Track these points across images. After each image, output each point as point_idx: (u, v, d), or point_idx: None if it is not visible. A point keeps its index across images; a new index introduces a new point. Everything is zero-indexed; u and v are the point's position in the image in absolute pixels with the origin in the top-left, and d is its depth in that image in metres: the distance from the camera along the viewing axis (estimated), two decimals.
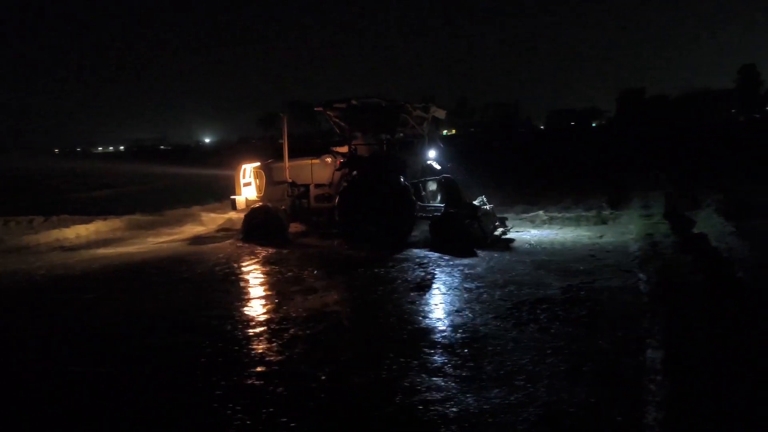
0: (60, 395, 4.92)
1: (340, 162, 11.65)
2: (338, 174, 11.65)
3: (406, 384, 4.80)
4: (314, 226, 11.97)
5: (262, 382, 4.96)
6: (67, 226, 13.61)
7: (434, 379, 4.87)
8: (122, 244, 12.31)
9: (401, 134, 12.60)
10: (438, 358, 5.31)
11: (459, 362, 5.21)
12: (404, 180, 10.99)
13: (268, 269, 9.39)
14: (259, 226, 11.40)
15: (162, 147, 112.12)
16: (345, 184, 11.20)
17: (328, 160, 12.01)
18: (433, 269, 8.83)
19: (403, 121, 12.06)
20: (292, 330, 6.29)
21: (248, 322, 6.66)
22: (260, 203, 12.05)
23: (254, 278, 8.93)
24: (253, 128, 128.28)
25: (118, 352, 5.86)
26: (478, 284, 7.87)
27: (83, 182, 29.43)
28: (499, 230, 11.25)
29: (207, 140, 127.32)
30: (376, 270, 8.96)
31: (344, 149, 11.87)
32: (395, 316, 6.69)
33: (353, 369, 5.14)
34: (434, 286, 7.93)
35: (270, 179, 12.31)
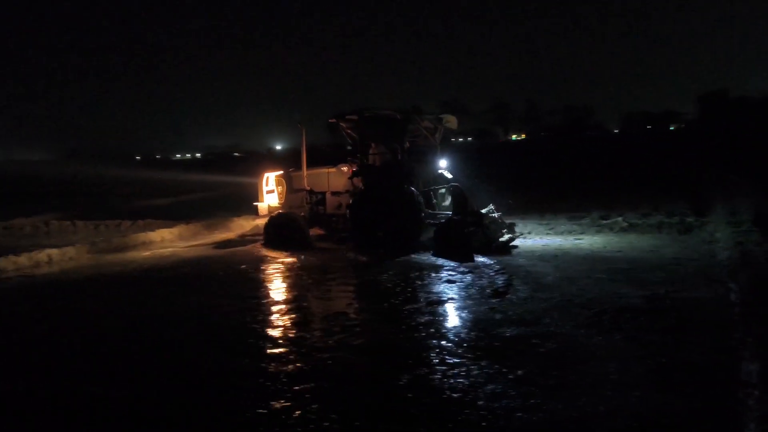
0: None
1: (352, 171, 12.16)
2: (351, 182, 12.19)
3: (489, 390, 4.77)
4: (331, 231, 12.58)
5: (343, 387, 5.06)
6: (152, 229, 14.32)
7: (518, 385, 4.83)
8: (200, 245, 12.94)
9: (411, 144, 12.84)
10: (521, 365, 5.26)
11: (543, 370, 5.14)
12: (412, 188, 11.42)
13: (316, 276, 9.59)
14: (279, 232, 12.02)
15: (236, 154, 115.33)
16: (357, 191, 11.75)
17: (344, 169, 12.56)
18: (509, 277, 8.72)
19: (413, 131, 12.42)
20: (367, 336, 6.39)
21: (321, 329, 6.78)
22: (281, 210, 12.72)
23: (303, 285, 9.14)
24: (322, 135, 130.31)
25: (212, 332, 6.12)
26: (553, 293, 7.71)
27: (149, 190, 30.35)
28: (506, 237, 11.20)
29: (278, 147, 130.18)
30: (450, 276, 8.95)
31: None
32: (474, 323, 6.67)
33: (434, 375, 5.16)
34: (511, 293, 7.83)
35: (290, 187, 12.97)
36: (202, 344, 6.37)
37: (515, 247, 11.03)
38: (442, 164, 13.23)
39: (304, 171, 12.64)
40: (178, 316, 7.53)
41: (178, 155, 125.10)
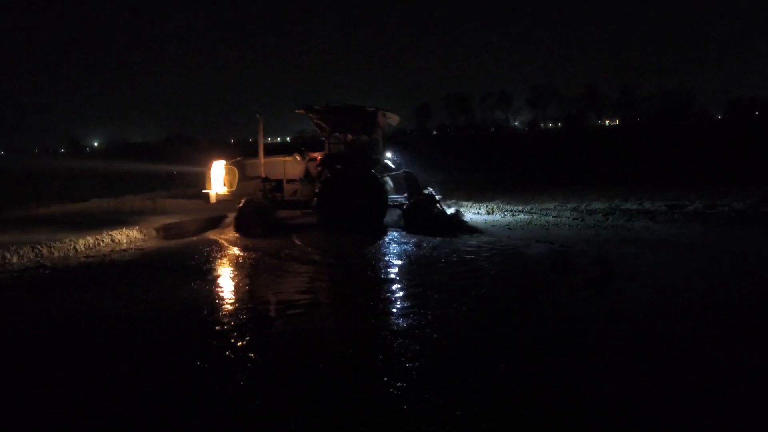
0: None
1: (320, 158, 12.92)
2: (312, 169, 12.97)
3: (608, 390, 4.55)
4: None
5: (463, 392, 4.99)
6: None
7: (644, 386, 4.56)
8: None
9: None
10: (645, 364, 4.99)
11: (667, 370, 4.91)
12: (377, 175, 12.58)
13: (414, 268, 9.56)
14: (252, 217, 12.25)
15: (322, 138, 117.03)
16: (325, 177, 12.43)
17: (299, 157, 13.18)
18: (605, 266, 8.40)
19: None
20: (466, 321, 6.29)
21: (435, 320, 6.63)
22: (231, 197, 13.06)
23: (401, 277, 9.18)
24: (410, 119, 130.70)
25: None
26: (650, 285, 7.33)
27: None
28: (450, 212, 12.76)
29: None
30: (545, 263, 8.74)
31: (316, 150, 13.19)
32: (568, 314, 6.34)
33: (552, 380, 4.80)
34: (610, 282, 7.54)
35: (243, 175, 13.17)
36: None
37: (465, 222, 12.43)
38: (387, 154, 14.83)
39: (261, 159, 13.00)
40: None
41: (278, 138, 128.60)
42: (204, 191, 13.44)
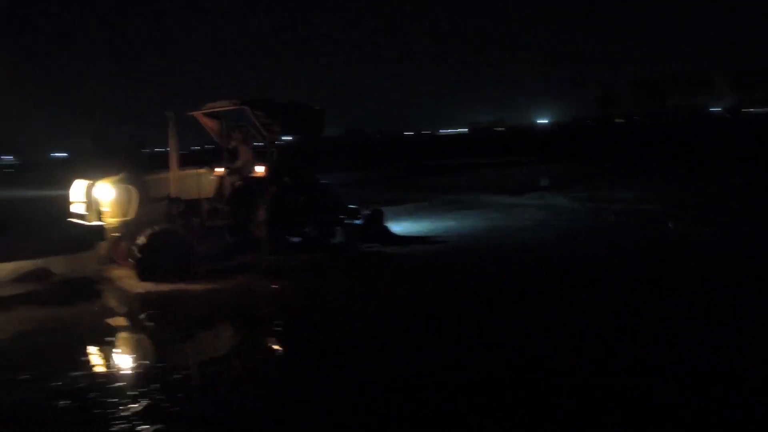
0: None
1: (267, 168, 9.98)
2: (226, 184, 10.00)
3: None
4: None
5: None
6: None
7: None
8: None
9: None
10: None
11: None
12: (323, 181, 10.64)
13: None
14: (161, 254, 8.49)
15: (498, 129, 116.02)
16: (273, 192, 9.72)
17: (219, 170, 10.02)
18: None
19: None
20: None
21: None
22: (118, 228, 8.97)
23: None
24: (590, 107, 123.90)
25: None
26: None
27: None
28: None
29: (543, 121, 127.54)
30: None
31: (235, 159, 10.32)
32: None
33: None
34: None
35: (145, 196, 9.21)
36: None
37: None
38: None
39: (174, 172, 9.42)
40: None
41: (442, 130, 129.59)
42: (79, 222, 9.22)
